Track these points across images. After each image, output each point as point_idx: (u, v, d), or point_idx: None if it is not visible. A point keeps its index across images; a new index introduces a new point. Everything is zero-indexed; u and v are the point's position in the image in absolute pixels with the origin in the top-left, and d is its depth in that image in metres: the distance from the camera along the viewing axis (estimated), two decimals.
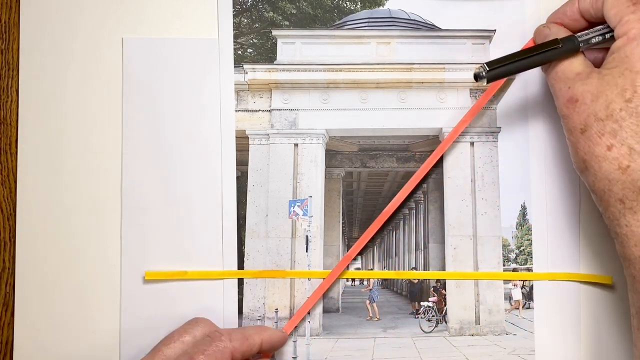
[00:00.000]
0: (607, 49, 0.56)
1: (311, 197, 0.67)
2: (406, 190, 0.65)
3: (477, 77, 0.56)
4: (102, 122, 0.65)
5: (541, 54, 0.57)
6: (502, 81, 0.65)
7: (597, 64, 0.56)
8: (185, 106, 0.65)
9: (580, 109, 0.53)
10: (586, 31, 0.57)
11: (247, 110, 0.67)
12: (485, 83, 0.56)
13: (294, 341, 0.66)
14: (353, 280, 0.69)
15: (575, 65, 0.56)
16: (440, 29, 0.68)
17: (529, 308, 0.66)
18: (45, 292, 0.63)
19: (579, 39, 0.57)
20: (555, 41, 0.57)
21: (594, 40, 0.57)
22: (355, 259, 0.70)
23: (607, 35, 0.57)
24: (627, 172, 0.51)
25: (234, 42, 0.66)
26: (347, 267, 0.68)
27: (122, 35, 0.65)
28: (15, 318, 0.63)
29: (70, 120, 0.65)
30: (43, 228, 0.64)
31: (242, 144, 0.67)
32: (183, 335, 0.56)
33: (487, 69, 0.56)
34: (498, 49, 0.67)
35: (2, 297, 0.64)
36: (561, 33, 0.58)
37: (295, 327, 0.65)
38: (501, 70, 0.56)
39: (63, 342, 0.63)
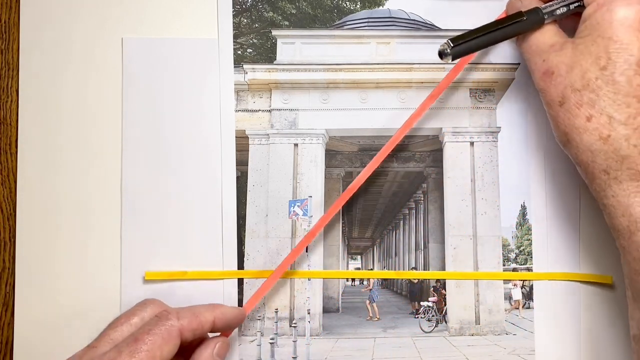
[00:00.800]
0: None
1: (311, 197, 0.67)
2: (376, 162, 0.64)
3: (441, 54, 0.55)
4: (102, 122, 0.65)
5: (505, 27, 0.56)
6: (472, 56, 0.64)
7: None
8: (185, 106, 0.65)
9: (557, 81, 0.53)
10: (551, 2, 0.57)
11: (247, 110, 0.67)
12: (450, 60, 0.55)
13: (294, 341, 0.66)
14: (353, 280, 0.69)
15: (547, 36, 0.55)
16: (440, 29, 0.68)
17: (529, 308, 0.66)
18: (45, 292, 0.63)
19: (544, 11, 0.56)
20: (520, 14, 0.56)
21: (559, 12, 0.56)
22: (354, 258, 0.70)
23: (572, 6, 0.56)
24: (608, 141, 0.50)
25: (234, 42, 0.66)
26: (347, 266, 0.68)
27: (122, 35, 0.65)
28: (15, 318, 0.63)
29: (70, 120, 0.65)
30: (43, 228, 0.64)
31: (242, 144, 0.67)
32: (131, 317, 0.53)
33: (452, 45, 0.54)
34: (498, 49, 0.67)
35: (2, 297, 0.64)
36: (534, 4, 0.57)
37: (255, 306, 0.62)
38: (466, 45, 0.55)
39: (63, 342, 0.63)
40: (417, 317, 0.68)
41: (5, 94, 0.65)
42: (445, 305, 0.67)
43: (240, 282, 0.65)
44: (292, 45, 0.68)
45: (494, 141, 0.68)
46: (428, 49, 0.68)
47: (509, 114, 0.67)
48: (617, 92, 0.50)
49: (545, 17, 0.56)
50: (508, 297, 0.67)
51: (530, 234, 0.66)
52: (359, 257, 0.70)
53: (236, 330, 0.64)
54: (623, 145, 0.50)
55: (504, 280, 0.67)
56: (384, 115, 0.67)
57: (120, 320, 0.53)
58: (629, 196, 0.50)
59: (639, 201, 0.50)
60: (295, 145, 0.68)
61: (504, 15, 0.60)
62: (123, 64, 0.65)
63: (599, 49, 0.51)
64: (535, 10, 0.56)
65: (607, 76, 0.50)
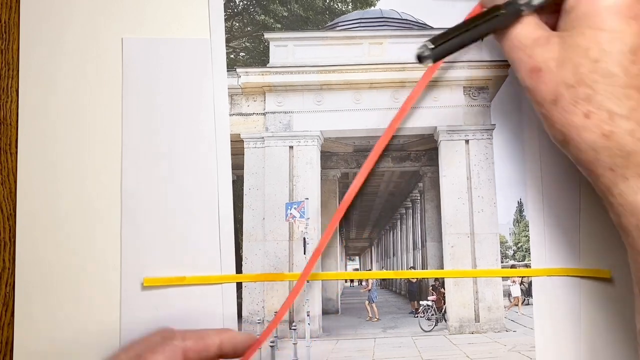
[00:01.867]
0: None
1: (307, 199, 0.68)
2: (374, 155, 0.62)
3: (420, 58, 0.51)
4: (101, 123, 0.66)
5: (483, 24, 0.52)
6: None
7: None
8: (182, 109, 0.66)
9: (547, 78, 0.49)
10: None
11: (241, 114, 0.68)
12: (431, 63, 0.51)
13: (294, 344, 0.65)
14: (352, 281, 0.69)
15: (530, 30, 0.51)
16: (432, 28, 0.68)
17: (528, 304, 0.65)
18: (45, 292, 0.64)
19: (520, 2, 0.51)
20: (497, 7, 0.52)
21: (536, 2, 0.51)
22: (352, 259, 0.70)
23: None
24: (611, 138, 0.47)
25: (227, 46, 0.67)
26: (345, 268, 0.68)
27: (121, 35, 0.66)
28: (15, 318, 0.63)
29: (70, 120, 0.65)
30: (43, 228, 0.64)
31: (237, 147, 0.67)
32: (141, 341, 0.55)
33: (432, 46, 0.51)
34: (492, 47, 0.68)
35: (2, 297, 0.64)
36: None
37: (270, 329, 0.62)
38: (446, 46, 0.51)
39: (63, 342, 0.63)
40: (417, 317, 0.67)
41: (5, 94, 0.66)
42: (444, 303, 0.67)
43: (239, 285, 0.65)
44: (285, 48, 0.69)
45: (489, 138, 0.68)
46: None
47: (503, 110, 0.68)
48: (615, 84, 0.46)
49: (523, 8, 0.51)
50: (507, 294, 0.66)
51: (528, 231, 0.66)
52: (357, 258, 0.70)
53: None
54: (628, 141, 0.46)
55: (502, 277, 0.66)
56: (378, 116, 0.68)
57: (132, 343, 0.54)
58: (637, 193, 0.47)
59: None
60: (291, 147, 0.68)
61: (478, 10, 0.56)
62: (123, 64, 0.66)
63: (589, 40, 0.47)
64: (512, 2, 0.52)
65: (602, 68, 0.47)
